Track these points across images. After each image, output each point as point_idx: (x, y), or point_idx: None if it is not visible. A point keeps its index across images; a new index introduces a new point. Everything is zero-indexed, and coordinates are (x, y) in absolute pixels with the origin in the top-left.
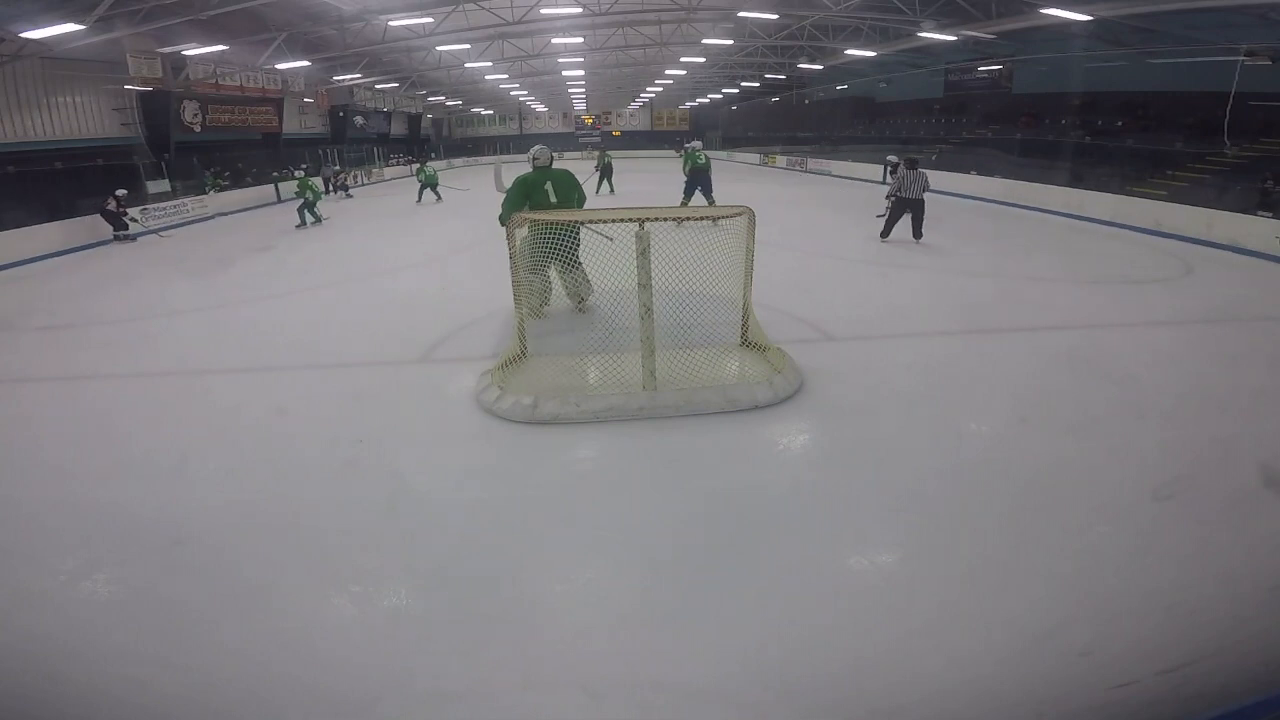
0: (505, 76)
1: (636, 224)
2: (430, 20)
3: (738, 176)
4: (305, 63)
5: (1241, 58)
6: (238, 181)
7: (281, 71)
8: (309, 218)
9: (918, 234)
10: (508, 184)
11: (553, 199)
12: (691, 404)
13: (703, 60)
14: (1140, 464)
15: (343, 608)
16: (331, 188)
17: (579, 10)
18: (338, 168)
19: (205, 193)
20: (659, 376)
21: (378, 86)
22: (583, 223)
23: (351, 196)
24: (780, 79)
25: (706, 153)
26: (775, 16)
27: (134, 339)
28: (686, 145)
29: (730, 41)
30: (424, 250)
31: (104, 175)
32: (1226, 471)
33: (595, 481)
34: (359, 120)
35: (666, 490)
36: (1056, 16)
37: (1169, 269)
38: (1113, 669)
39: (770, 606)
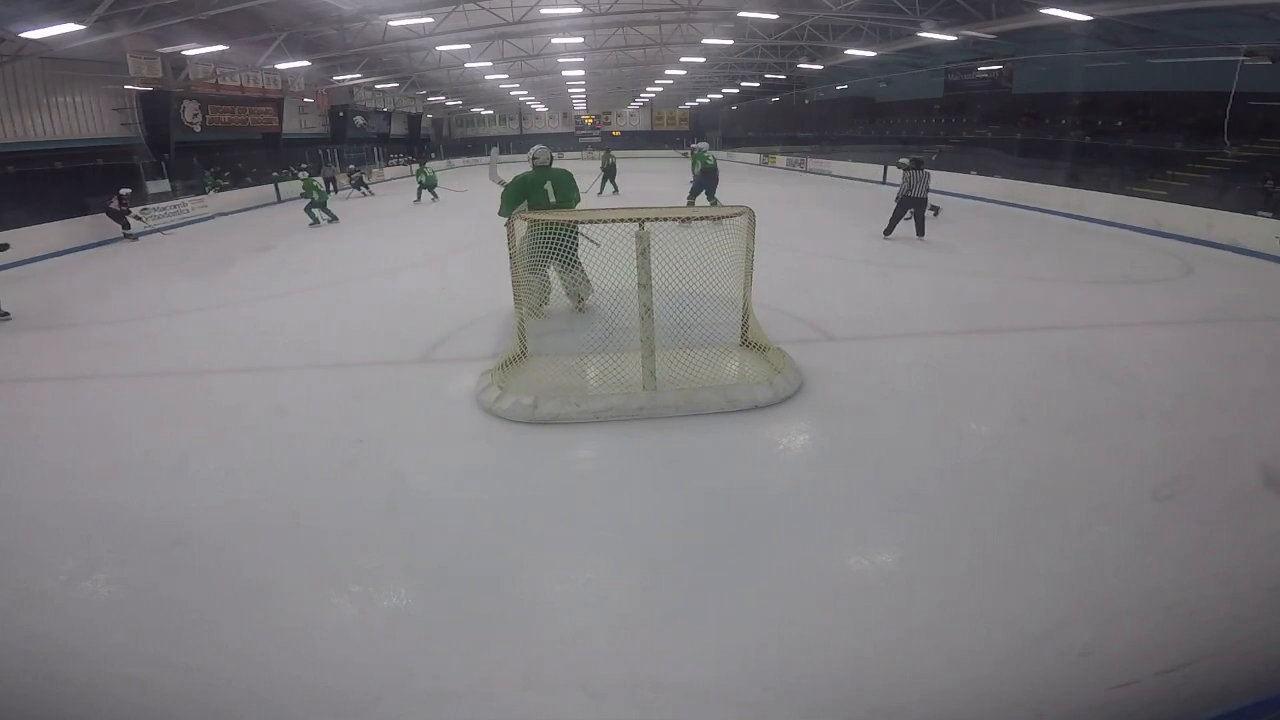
0: (505, 76)
1: (636, 224)
2: (430, 20)
3: (738, 176)
4: (305, 63)
5: (1241, 58)
6: (238, 181)
7: (281, 71)
8: (323, 217)
9: (920, 231)
10: (504, 177)
11: (552, 199)
12: (691, 404)
13: (703, 60)
14: (1140, 464)
15: (343, 608)
16: (340, 186)
17: (579, 10)
18: (352, 166)
19: (205, 193)
20: (659, 376)
21: (378, 86)
22: (581, 223)
23: (373, 194)
24: (780, 79)
25: (711, 153)
26: (775, 16)
27: (134, 339)
28: (694, 146)
29: (730, 41)
30: (424, 250)
31: (104, 175)
32: (1226, 471)
33: (595, 481)
34: (359, 120)
35: (666, 490)
36: (1056, 16)
37: (1169, 269)
38: (1113, 669)
39: (770, 606)
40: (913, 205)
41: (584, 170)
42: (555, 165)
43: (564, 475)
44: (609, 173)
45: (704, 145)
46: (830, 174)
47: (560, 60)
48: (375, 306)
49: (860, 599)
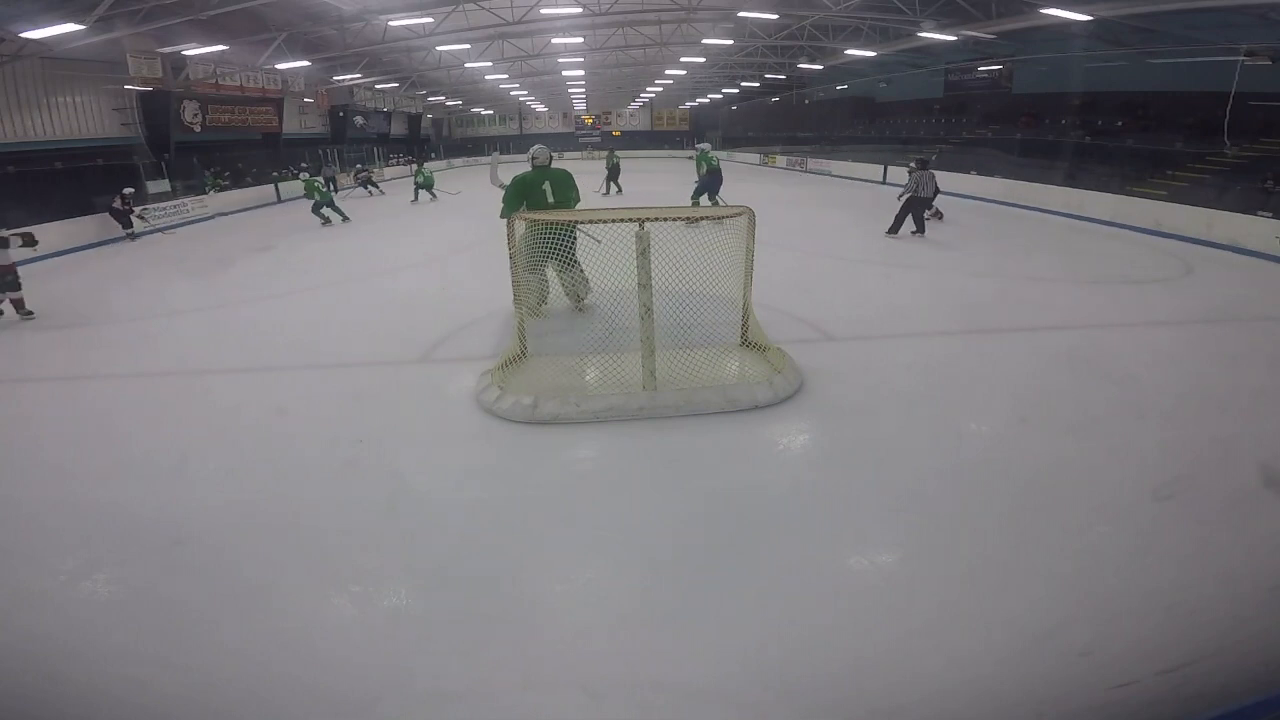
0: (505, 76)
1: (636, 224)
2: (430, 20)
3: (738, 176)
4: (305, 63)
5: (1241, 58)
6: (238, 181)
7: (281, 71)
8: (335, 216)
9: (920, 228)
10: (504, 179)
11: (551, 199)
12: (691, 404)
13: (703, 60)
14: (1140, 464)
15: (343, 608)
16: (342, 186)
17: (579, 10)
18: (359, 166)
19: (205, 193)
20: (659, 376)
21: (378, 86)
22: (580, 223)
23: (384, 193)
24: (780, 79)
25: (714, 154)
26: (775, 16)
27: (134, 339)
28: (698, 146)
29: (730, 41)
30: (424, 250)
31: (104, 175)
32: (1226, 471)
33: (595, 481)
34: (359, 120)
35: (666, 490)
36: (1056, 16)
37: (1169, 269)
38: (1113, 669)
39: (770, 606)
40: (920, 205)
41: (584, 170)
42: (555, 165)
43: (564, 475)
44: (613, 173)
45: (706, 146)
46: (830, 174)
47: (560, 60)
48: (375, 306)
49: (860, 599)
